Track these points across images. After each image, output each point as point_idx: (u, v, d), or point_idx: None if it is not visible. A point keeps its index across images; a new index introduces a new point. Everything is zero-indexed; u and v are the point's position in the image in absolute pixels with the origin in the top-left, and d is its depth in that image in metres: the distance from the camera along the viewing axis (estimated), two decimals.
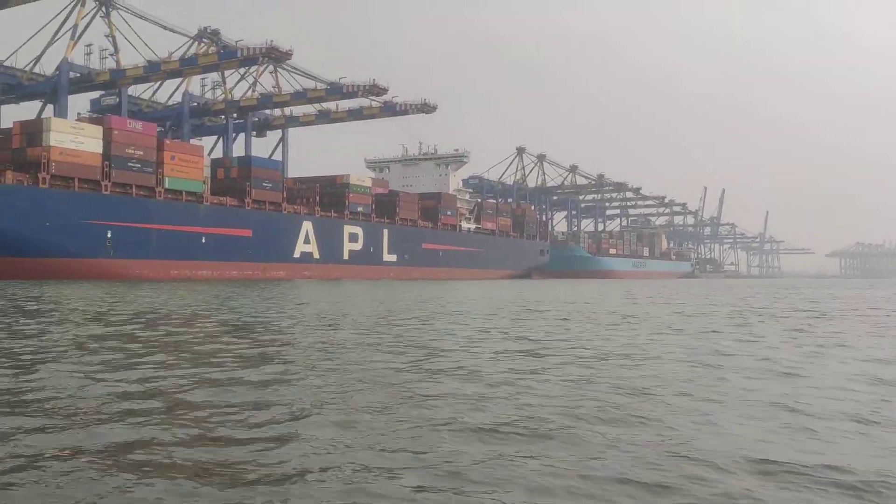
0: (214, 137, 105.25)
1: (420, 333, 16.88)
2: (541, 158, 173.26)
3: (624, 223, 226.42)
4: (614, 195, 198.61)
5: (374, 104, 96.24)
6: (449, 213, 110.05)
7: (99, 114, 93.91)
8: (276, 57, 77.27)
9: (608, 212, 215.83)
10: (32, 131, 61.61)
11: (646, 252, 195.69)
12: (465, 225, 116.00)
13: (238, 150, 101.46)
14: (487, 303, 33.54)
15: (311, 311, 24.86)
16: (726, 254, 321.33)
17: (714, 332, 18.69)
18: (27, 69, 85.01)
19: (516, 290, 54.84)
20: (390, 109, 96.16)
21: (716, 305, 33.85)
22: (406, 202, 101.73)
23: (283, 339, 15.14)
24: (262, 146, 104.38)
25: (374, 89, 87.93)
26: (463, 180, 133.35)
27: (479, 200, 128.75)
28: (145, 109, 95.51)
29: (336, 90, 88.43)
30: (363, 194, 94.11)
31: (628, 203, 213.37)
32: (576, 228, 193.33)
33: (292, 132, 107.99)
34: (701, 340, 16.19)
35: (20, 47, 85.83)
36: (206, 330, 17.64)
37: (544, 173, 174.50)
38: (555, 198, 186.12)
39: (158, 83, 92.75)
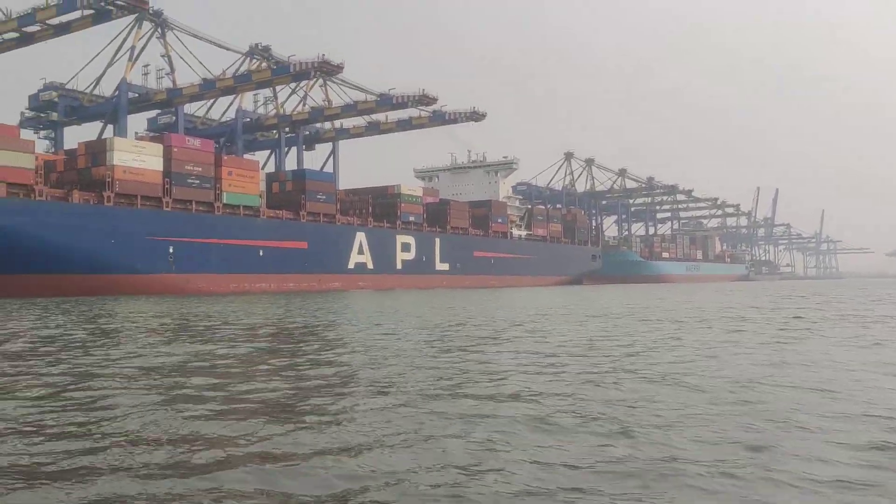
0: (266, 152, 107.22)
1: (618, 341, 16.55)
2: (589, 163, 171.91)
3: (675, 226, 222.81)
4: (665, 198, 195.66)
5: (423, 114, 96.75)
6: (500, 220, 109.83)
7: (156, 132, 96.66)
8: (327, 70, 78.29)
9: (658, 215, 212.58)
10: (96, 151, 63.47)
11: (699, 255, 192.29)
12: (516, 232, 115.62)
13: (289, 163, 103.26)
14: (601, 311, 33.19)
15: (442, 319, 24.91)
16: (781, 255, 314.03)
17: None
18: (88, 91, 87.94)
19: (590, 296, 54.31)
20: (439, 118, 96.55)
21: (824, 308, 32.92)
22: (457, 210, 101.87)
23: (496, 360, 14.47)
24: (311, 159, 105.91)
25: (424, 99, 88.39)
26: (511, 187, 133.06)
27: (530, 207, 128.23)
28: (200, 126, 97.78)
29: (386, 101, 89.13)
30: (414, 204, 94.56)
31: (679, 206, 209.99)
32: (626, 232, 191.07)
33: (341, 144, 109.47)
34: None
35: (80, 70, 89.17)
36: (372, 341, 17.72)
37: (593, 178, 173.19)
38: (604, 202, 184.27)
39: (212, 100, 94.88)
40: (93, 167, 62.46)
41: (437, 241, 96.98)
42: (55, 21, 64.06)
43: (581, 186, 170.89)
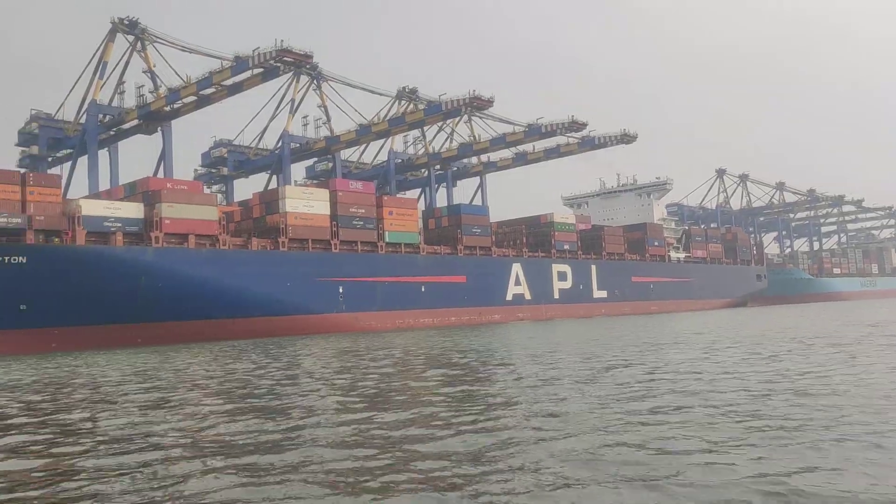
0: (416, 190, 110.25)
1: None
2: (743, 178, 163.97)
3: (842, 239, 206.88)
4: (830, 209, 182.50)
5: (572, 141, 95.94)
6: (656, 243, 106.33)
7: (313, 179, 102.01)
8: (478, 106, 79.58)
9: (823, 228, 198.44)
10: (270, 200, 67.52)
11: (874, 269, 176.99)
12: (674, 255, 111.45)
13: (438, 200, 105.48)
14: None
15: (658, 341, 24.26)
16: None
17: None
18: (253, 146, 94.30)
19: (773, 318, 51.15)
20: (588, 144, 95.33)
21: None
22: (611, 236, 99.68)
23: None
24: (458, 194, 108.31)
25: (574, 126, 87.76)
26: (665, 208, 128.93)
27: (686, 228, 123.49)
28: (354, 171, 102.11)
29: (535, 131, 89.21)
30: (568, 232, 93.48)
31: (846, 218, 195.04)
32: (788, 249, 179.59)
33: (487, 177, 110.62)
34: None
35: (245, 127, 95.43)
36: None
37: (748, 193, 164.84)
38: (761, 219, 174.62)
39: (364, 145, 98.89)
40: (267, 215, 66.45)
41: (594, 268, 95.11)
42: (229, 82, 69.12)
43: (736, 203, 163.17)
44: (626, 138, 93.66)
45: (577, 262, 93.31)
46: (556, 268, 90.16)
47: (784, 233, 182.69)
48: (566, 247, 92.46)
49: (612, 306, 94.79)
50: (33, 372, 28.49)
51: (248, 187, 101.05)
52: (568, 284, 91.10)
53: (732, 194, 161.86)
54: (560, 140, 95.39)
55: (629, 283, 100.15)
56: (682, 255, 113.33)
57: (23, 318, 50.48)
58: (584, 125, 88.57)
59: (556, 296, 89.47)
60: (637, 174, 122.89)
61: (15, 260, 49.88)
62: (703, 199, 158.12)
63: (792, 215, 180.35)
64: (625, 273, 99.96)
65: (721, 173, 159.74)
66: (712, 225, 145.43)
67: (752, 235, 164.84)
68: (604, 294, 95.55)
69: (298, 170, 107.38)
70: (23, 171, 60.86)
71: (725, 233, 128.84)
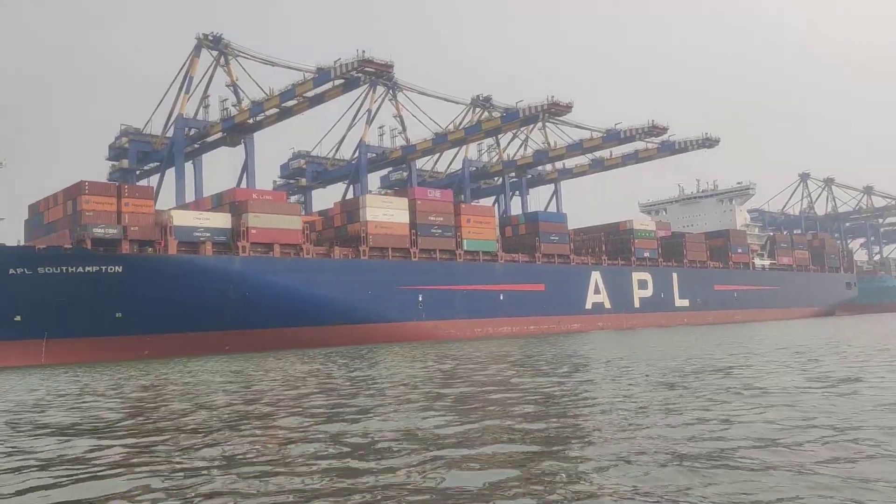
0: (489, 198, 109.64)
1: None
2: (828, 182, 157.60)
3: None
4: None
5: (651, 146, 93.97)
6: (740, 250, 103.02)
7: (388, 189, 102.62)
8: (556, 112, 78.65)
9: None
10: (350, 209, 68.20)
11: None
12: (758, 262, 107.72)
13: (512, 208, 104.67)
14: None
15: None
16: None
17: None
18: (330, 157, 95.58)
19: (874, 328, 48.43)
20: (668, 149, 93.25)
21: None
22: (692, 243, 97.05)
23: None
24: (532, 202, 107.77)
25: (654, 130, 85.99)
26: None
27: (771, 234, 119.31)
28: (428, 179, 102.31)
29: (613, 136, 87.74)
30: (648, 239, 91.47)
31: None
32: (878, 255, 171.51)
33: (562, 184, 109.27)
34: None
35: (323, 138, 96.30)
36: None
37: (834, 198, 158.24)
38: (847, 224, 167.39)
39: (438, 154, 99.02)
40: (348, 224, 67.08)
41: (675, 275, 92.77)
42: (311, 93, 70.26)
43: (820, 209, 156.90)
44: (708, 142, 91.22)
45: (658, 269, 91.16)
46: (637, 276, 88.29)
47: (872, 238, 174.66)
48: (646, 254, 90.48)
49: (695, 315, 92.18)
50: (188, 375, 29.08)
51: (325, 197, 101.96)
52: (649, 293, 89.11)
53: (817, 199, 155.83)
54: (638, 145, 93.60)
55: (712, 291, 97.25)
56: (766, 263, 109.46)
57: (119, 325, 52.17)
58: (664, 129, 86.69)
59: (637, 304, 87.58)
60: (717, 179, 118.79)
61: (112, 269, 51.61)
62: (786, 205, 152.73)
63: (881, 220, 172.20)
64: (707, 281, 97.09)
65: (804, 177, 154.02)
66: (796, 231, 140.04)
67: (839, 242, 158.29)
68: (685, 303, 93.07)
69: (373, 180, 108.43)
70: (117, 183, 62.96)
71: (812, 239, 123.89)
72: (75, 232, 51.92)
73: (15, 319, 50.33)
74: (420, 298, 68.03)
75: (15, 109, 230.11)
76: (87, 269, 50.71)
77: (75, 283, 50.30)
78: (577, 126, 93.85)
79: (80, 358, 49.99)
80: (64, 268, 50.21)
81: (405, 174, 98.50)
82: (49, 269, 49.95)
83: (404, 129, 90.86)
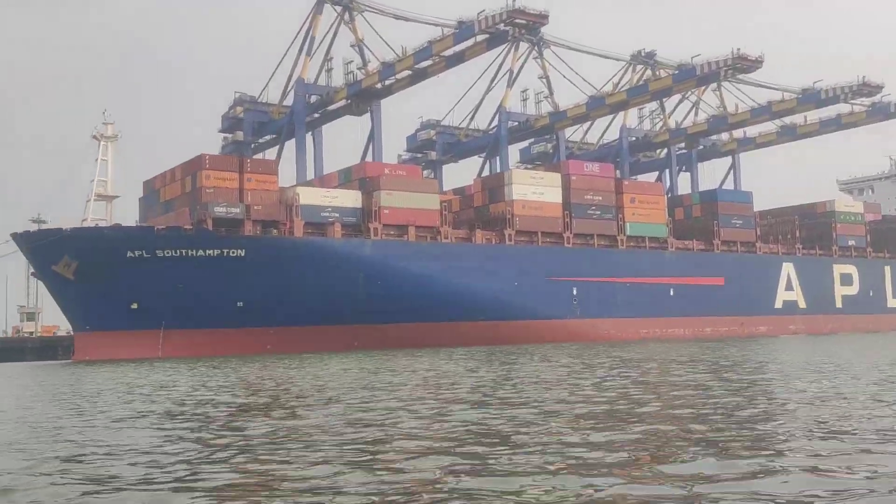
0: (651, 174, 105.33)
1: None
2: None
3: None
4: None
5: (858, 109, 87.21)
6: None
7: (528, 163, 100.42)
8: (742, 68, 73.71)
9: None
10: (493, 186, 66.90)
11: None
12: None
13: (679, 185, 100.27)
14: None
15: None
16: None
17: None
18: (464, 126, 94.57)
19: None
20: (881, 112, 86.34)
21: None
22: None
23: None
24: (703, 179, 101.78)
25: (864, 89, 79.77)
26: None
27: None
28: (577, 152, 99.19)
29: (811, 98, 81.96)
30: (854, 224, 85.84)
31: None
32: None
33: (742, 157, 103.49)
34: None
35: (455, 105, 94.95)
36: None
37: None
38: None
39: (590, 122, 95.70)
40: (491, 204, 65.83)
41: (888, 269, 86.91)
42: (449, 52, 69.39)
43: None
44: None
45: (866, 261, 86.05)
46: (839, 269, 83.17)
47: None
48: (851, 242, 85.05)
49: None
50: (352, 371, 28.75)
51: (457, 173, 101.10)
52: (854, 290, 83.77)
53: None
54: (842, 108, 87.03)
55: None
56: None
57: (239, 315, 53.31)
58: (879, 88, 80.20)
59: (839, 304, 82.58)
60: None
61: (233, 253, 52.73)
62: None
63: None
64: None
65: None
66: None
67: None
68: None
69: (512, 153, 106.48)
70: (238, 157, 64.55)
71: None
72: (195, 211, 53.42)
73: (132, 307, 52.49)
74: (574, 292, 66.08)
75: (131, 80, 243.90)
76: (207, 252, 52.05)
77: (195, 267, 51.75)
78: (760, 85, 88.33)
79: (197, 351, 51.40)
80: (184, 251, 51.73)
81: (549, 146, 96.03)
82: (168, 253, 51.64)
83: (551, 93, 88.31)
